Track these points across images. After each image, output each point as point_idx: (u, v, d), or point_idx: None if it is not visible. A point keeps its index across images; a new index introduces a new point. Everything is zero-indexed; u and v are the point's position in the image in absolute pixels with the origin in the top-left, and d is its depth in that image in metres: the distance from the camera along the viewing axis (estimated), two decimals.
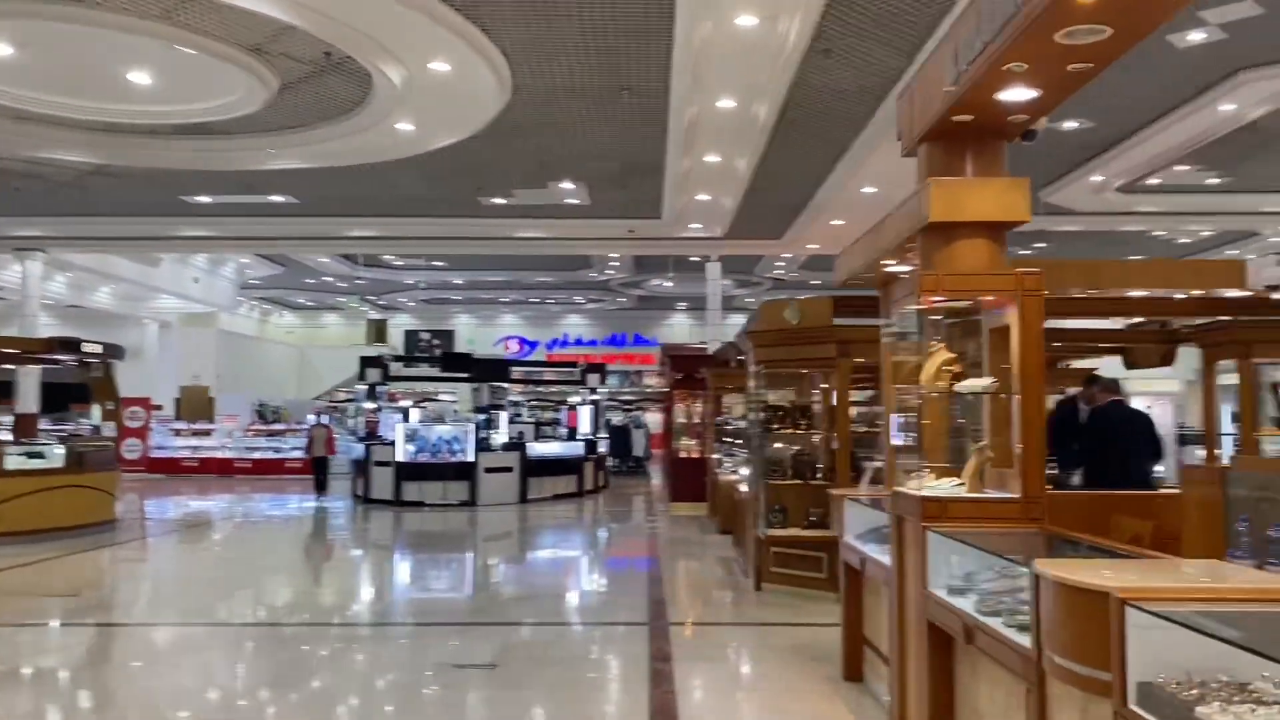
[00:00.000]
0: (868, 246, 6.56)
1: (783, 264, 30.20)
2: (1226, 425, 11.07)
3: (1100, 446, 9.34)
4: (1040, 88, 4.53)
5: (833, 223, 19.91)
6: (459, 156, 16.05)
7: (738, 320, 39.64)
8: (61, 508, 14.61)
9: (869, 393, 10.47)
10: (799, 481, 10.02)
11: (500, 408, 21.54)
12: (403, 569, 12.66)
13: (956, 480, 5.13)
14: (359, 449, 20.51)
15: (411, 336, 40.43)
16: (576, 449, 21.09)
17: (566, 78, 12.61)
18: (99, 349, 17.03)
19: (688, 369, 18.62)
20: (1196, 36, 12.18)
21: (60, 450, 15.52)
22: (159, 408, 30.43)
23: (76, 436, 17.96)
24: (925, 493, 5.05)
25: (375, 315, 42.63)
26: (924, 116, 5.29)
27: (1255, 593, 3.17)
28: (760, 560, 10.05)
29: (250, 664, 7.60)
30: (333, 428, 20.03)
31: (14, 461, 14.73)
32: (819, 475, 10.04)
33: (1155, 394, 22.66)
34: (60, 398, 25.47)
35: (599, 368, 23.28)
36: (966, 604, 4.50)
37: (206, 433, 29.28)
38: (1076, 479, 9.33)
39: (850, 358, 9.56)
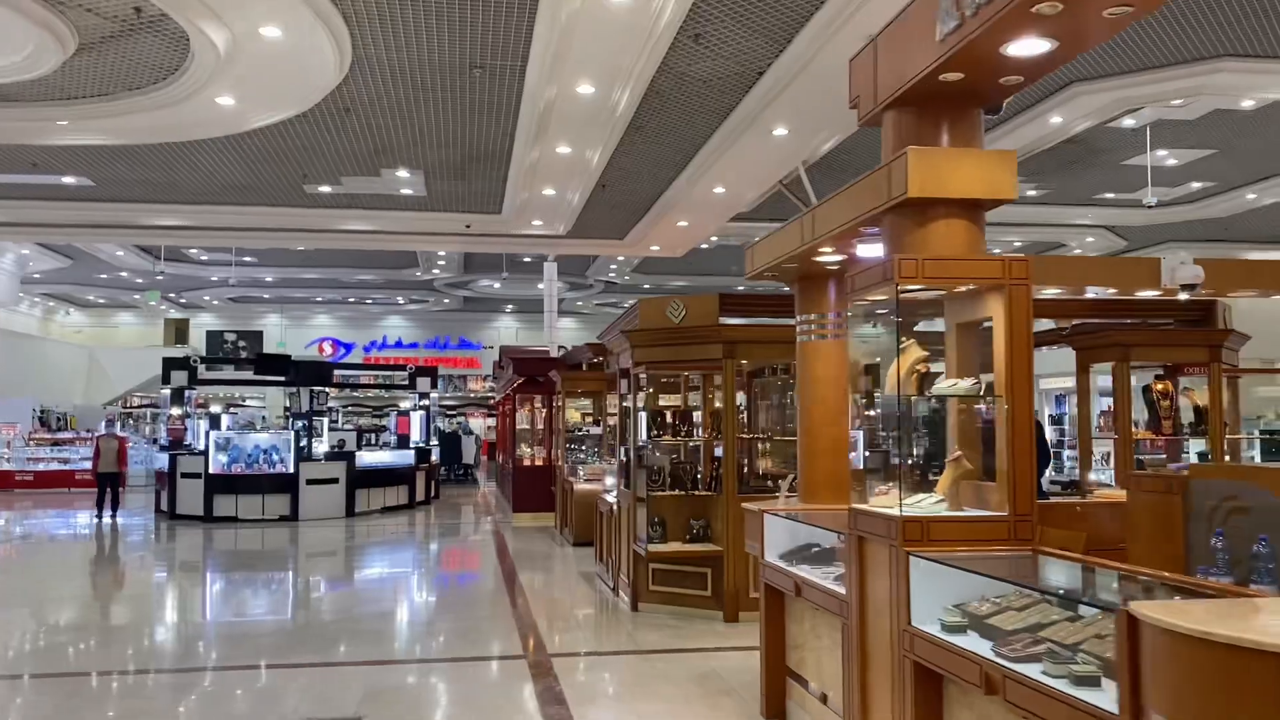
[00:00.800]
0: (795, 234, 5.81)
1: (616, 267, 29.57)
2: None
3: None
4: (1061, 38, 3.87)
5: (678, 224, 19.33)
6: (283, 137, 14.53)
7: (567, 325, 38.88)
8: None
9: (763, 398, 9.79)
10: (679, 492, 9.24)
11: (322, 414, 19.90)
12: (220, 596, 11.15)
13: (936, 497, 4.42)
14: (162, 459, 18.48)
15: (215, 337, 37.59)
16: (407, 458, 19.72)
17: (414, 51, 11.43)
18: None
19: (532, 372, 17.61)
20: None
21: None
22: None
23: None
24: (904, 511, 4.32)
25: (176, 314, 39.46)
26: (894, 78, 4.57)
27: None
28: (637, 578, 9.22)
29: None
30: (126, 438, 17.55)
31: None
32: (700, 485, 9.29)
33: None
34: None
35: (430, 371, 21.94)
36: (977, 646, 3.77)
37: None
38: None
39: (736, 359, 8.86)
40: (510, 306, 38.72)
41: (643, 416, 9.53)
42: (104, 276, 31.04)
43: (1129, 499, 5.83)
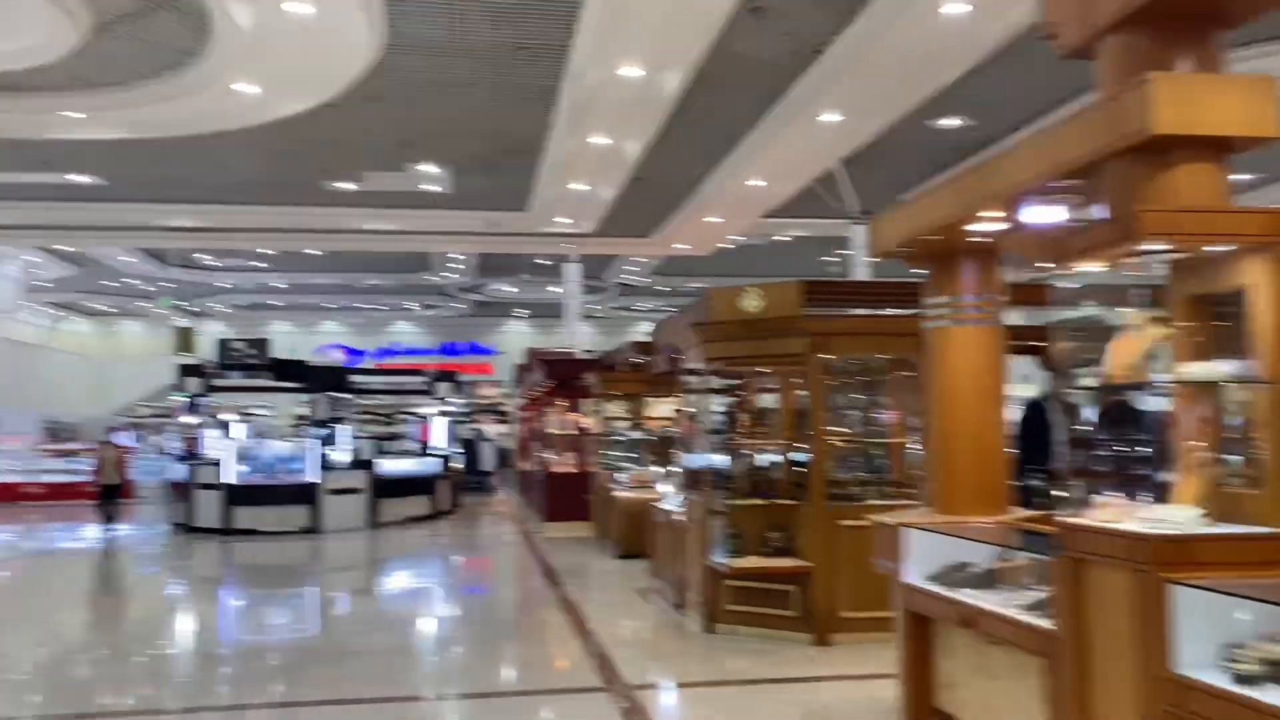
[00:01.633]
0: (951, 198, 4.92)
1: (635, 268, 28.72)
2: None
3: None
4: None
5: (708, 220, 18.51)
6: (305, 129, 13.67)
7: (582, 329, 37.92)
8: None
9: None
10: (757, 502, 8.32)
11: (340, 421, 18.97)
12: (247, 618, 10.23)
13: (1189, 509, 3.52)
14: (180, 470, 17.55)
15: (224, 345, 36.52)
16: (431, 466, 18.79)
17: (454, 31, 10.57)
18: None
19: (565, 375, 16.68)
20: None
21: None
22: None
23: None
24: (1153, 528, 3.42)
25: (183, 322, 38.54)
26: None
27: None
28: (711, 596, 8.31)
29: None
30: (125, 448, 16.63)
31: None
32: (780, 494, 8.38)
33: None
34: None
35: (450, 376, 21.03)
36: None
37: None
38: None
39: (822, 353, 7.95)
40: (522, 311, 37.85)
41: (714, 418, 8.63)
42: (112, 284, 30.17)
43: None
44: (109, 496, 17.29)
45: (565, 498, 16.47)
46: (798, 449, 8.41)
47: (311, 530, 16.37)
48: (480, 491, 25.50)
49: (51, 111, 12.56)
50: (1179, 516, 3.47)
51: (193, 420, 18.84)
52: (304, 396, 19.92)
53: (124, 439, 26.84)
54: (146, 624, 9.66)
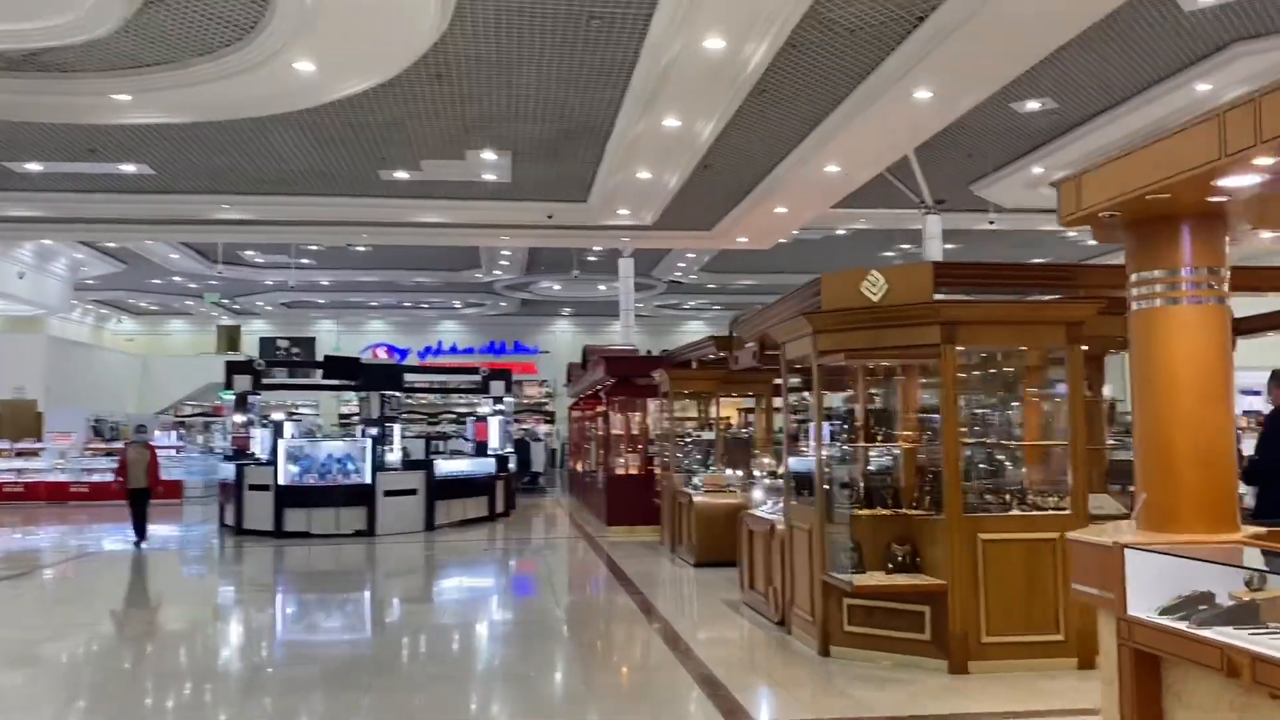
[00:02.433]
0: (1193, 146, 3.92)
1: (683, 264, 27.76)
2: None
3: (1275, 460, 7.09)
4: None
5: (776, 211, 17.51)
6: (364, 112, 12.86)
7: (620, 327, 37.02)
8: None
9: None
10: (880, 511, 7.35)
11: (394, 420, 18.18)
12: (303, 630, 9.40)
13: None
14: (225, 469, 16.82)
15: (268, 344, 36.08)
16: (487, 466, 17.95)
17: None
18: None
19: (629, 372, 15.79)
20: None
21: None
22: None
23: None
24: None
25: (228, 321, 38.06)
26: None
27: None
28: (828, 615, 7.35)
29: None
30: (155, 448, 15.68)
31: None
32: (906, 503, 7.40)
33: None
34: None
35: (504, 374, 20.19)
36: None
37: (34, 453, 24.59)
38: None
39: (957, 343, 6.96)
40: (568, 310, 37.01)
41: (826, 418, 7.68)
42: (157, 281, 29.64)
43: None
44: (138, 503, 14.97)
45: (628, 501, 15.61)
46: (926, 452, 7.44)
47: (366, 533, 15.59)
48: (531, 492, 24.69)
49: (98, 94, 11.79)
50: None
51: (241, 419, 18.10)
52: (355, 395, 19.18)
53: (158, 438, 26.35)
54: (187, 636, 8.84)
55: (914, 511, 7.26)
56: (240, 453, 17.86)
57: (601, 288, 31.85)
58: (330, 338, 36.73)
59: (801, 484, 8.15)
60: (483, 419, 19.30)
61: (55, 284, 27.14)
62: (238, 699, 6.63)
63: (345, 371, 18.38)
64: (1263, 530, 4.67)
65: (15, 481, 23.13)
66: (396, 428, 17.81)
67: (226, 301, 34.09)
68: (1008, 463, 7.55)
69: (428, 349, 37.49)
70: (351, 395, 36.48)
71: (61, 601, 10.84)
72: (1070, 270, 7.70)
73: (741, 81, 11.57)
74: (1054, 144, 16.84)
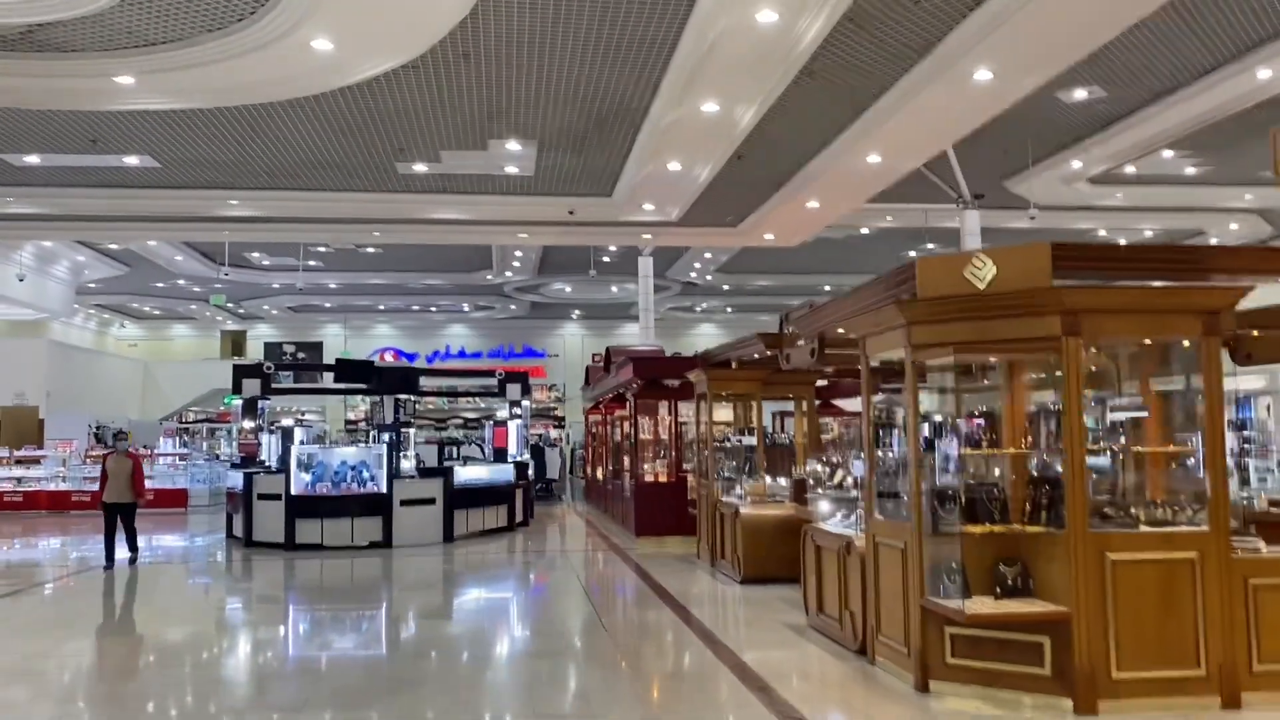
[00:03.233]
0: None
1: (700, 265, 26.83)
2: None
3: None
4: None
5: (808, 205, 16.58)
6: (383, 98, 11.93)
7: (636, 331, 36.09)
8: None
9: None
10: (988, 528, 6.39)
11: (409, 425, 17.22)
12: (318, 652, 8.43)
13: None
14: (235, 478, 15.85)
15: (273, 349, 35.12)
16: (506, 473, 16.97)
17: None
18: None
19: (659, 374, 14.86)
20: None
21: None
22: None
23: None
24: None
25: (232, 326, 37.09)
26: None
27: None
28: (926, 646, 6.40)
29: None
30: (140, 457, 14.10)
31: None
32: (1014, 517, 6.44)
33: None
34: None
35: (520, 378, 19.22)
36: None
37: (34, 460, 23.60)
38: None
39: (1080, 335, 6.02)
40: (578, 312, 36.07)
41: (918, 421, 6.72)
42: (161, 285, 28.69)
43: None
44: (123, 518, 13.27)
45: (657, 510, 14.69)
46: (1038, 459, 6.48)
47: (382, 545, 14.63)
48: (546, 500, 23.73)
49: (99, 76, 10.85)
50: None
51: (249, 425, 17.14)
52: (365, 399, 18.21)
53: (162, 445, 25.33)
54: (195, 664, 7.86)
55: (1031, 527, 6.29)
56: (249, 460, 16.90)
57: (614, 289, 30.92)
58: (337, 342, 35.78)
59: (886, 495, 7.20)
60: (502, 423, 18.32)
61: (57, 287, 26.20)
62: None
63: (358, 374, 17.42)
64: None
65: (15, 490, 22.11)
66: (411, 433, 16.84)
67: (231, 306, 33.13)
68: (1128, 472, 6.59)
69: (435, 353, 36.57)
70: (358, 400, 35.73)
71: (58, 623, 9.87)
72: (1194, 253, 6.75)
73: (792, 60, 10.65)
74: (1097, 136, 15.98)
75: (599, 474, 20.17)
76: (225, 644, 8.67)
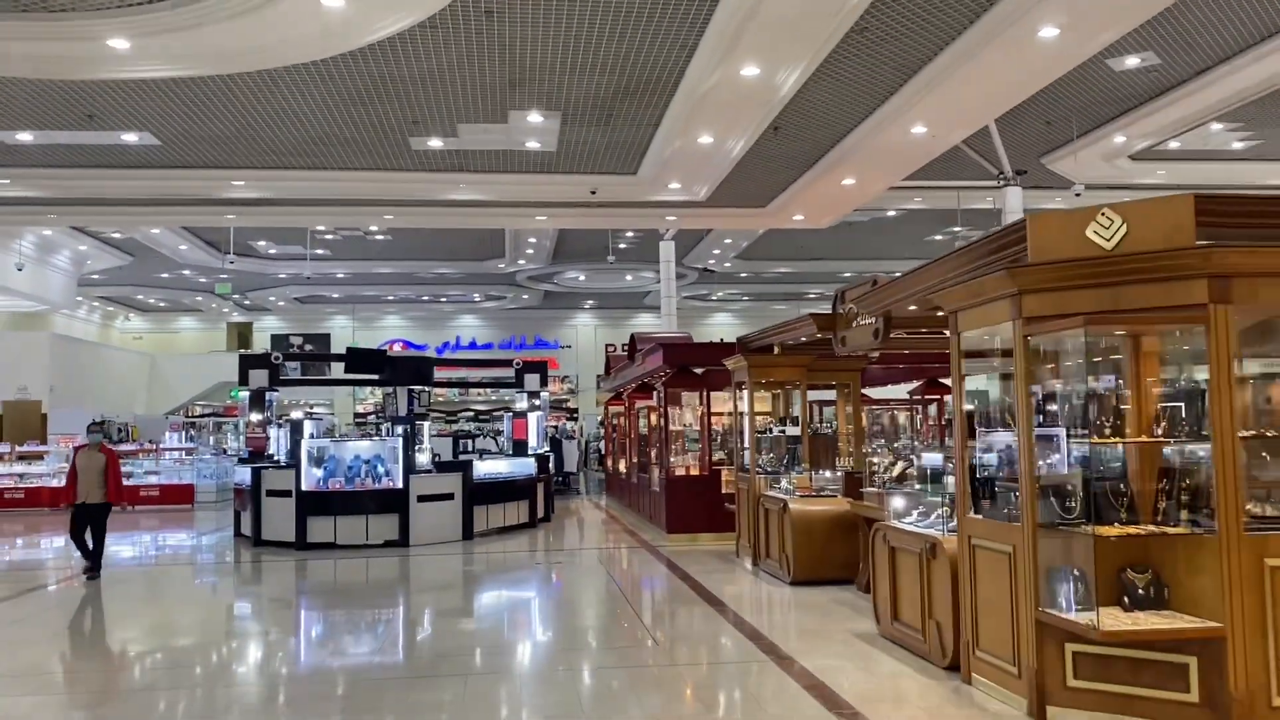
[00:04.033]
0: None
1: (719, 251, 25.86)
2: None
3: None
4: None
5: (843, 183, 15.62)
6: (398, 62, 10.97)
7: (648, 320, 35.18)
8: None
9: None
10: (1131, 529, 5.44)
11: (424, 417, 16.28)
12: (359, 677, 7.52)
13: None
14: (243, 474, 14.96)
15: (280, 341, 34.23)
16: (527, 467, 16.04)
17: None
18: None
19: (692, 360, 13.91)
20: None
21: None
22: None
23: None
24: None
25: (239, 318, 36.22)
26: None
27: None
28: (1044, 665, 5.47)
29: None
30: (115, 454, 11.97)
31: None
32: (1143, 515, 5.50)
33: None
34: None
35: (539, 367, 18.28)
36: None
37: (37, 456, 22.71)
38: None
39: (1230, 303, 5.07)
40: (590, 302, 35.14)
41: (1030, 404, 5.77)
42: (166, 275, 27.80)
43: None
44: (89, 522, 11.52)
45: (690, 506, 13.76)
46: (1176, 448, 5.53)
47: (398, 544, 13.72)
48: (563, 494, 22.83)
49: (92, 40, 9.90)
50: None
51: (257, 418, 16.23)
52: (377, 391, 17.29)
53: (168, 439, 24.40)
54: (203, 675, 6.95)
55: (1171, 528, 5.34)
56: (257, 454, 16.00)
57: (629, 278, 29.99)
58: (345, 334, 34.92)
59: (981, 491, 6.25)
60: (521, 415, 17.39)
61: (59, 278, 25.31)
62: None
63: (369, 364, 16.47)
64: None
65: (17, 487, 21.21)
66: (426, 426, 15.91)
67: (237, 297, 32.26)
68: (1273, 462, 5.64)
69: (445, 344, 35.69)
70: (367, 393, 34.86)
71: (63, 632, 8.97)
72: None
73: (844, 15, 9.68)
74: (1144, 108, 15.03)
75: (621, 467, 19.23)
76: (233, 661, 7.75)
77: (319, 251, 25.34)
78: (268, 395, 16.27)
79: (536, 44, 10.46)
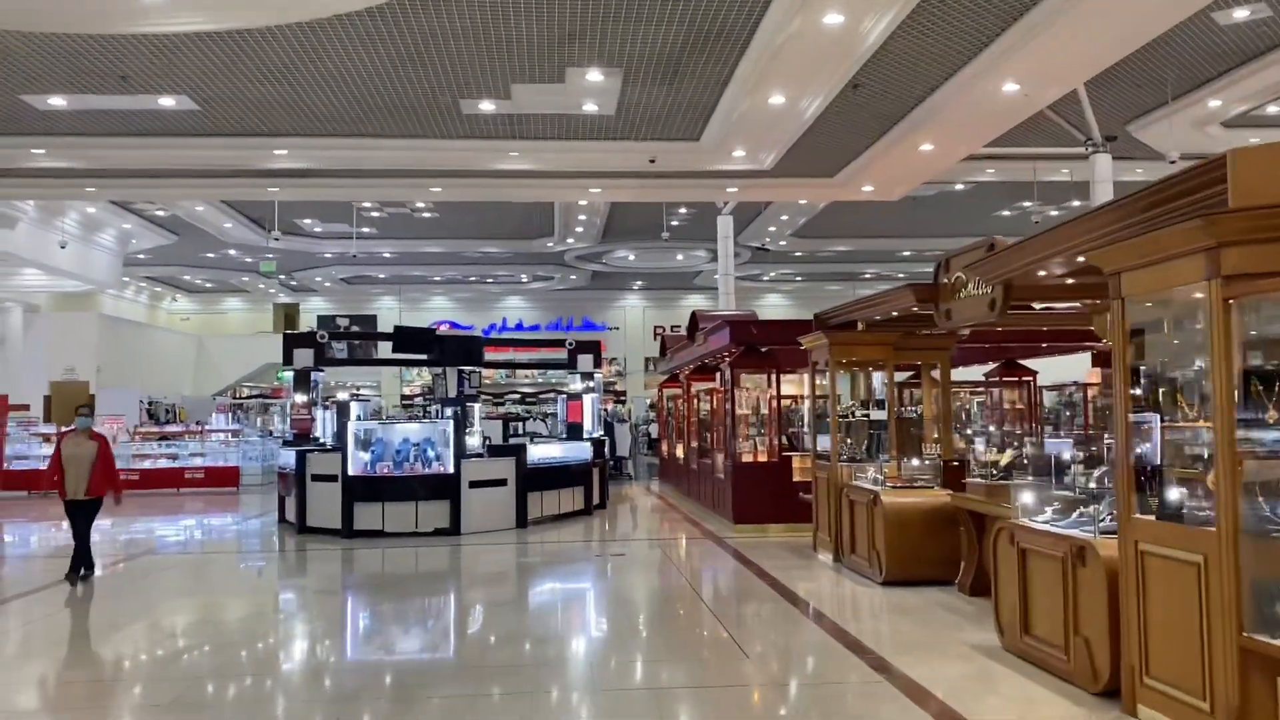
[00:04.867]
0: None
1: (775, 228, 24.70)
2: None
3: None
4: None
5: (921, 149, 14.43)
6: (449, 13, 9.96)
7: (696, 300, 34.07)
8: None
9: None
10: None
11: (474, 399, 15.38)
12: (418, 687, 6.61)
13: None
14: (288, 457, 14.17)
15: (326, 322, 33.54)
16: (583, 452, 15.09)
17: None
18: None
19: (764, 340, 12.87)
20: None
21: None
22: (24, 408, 23.23)
23: None
24: None
25: (285, 299, 35.65)
26: None
27: None
28: (1248, 703, 4.40)
29: None
30: (105, 439, 10.18)
31: None
32: None
33: None
34: None
35: (593, 346, 17.32)
36: None
37: None
38: None
39: None
40: (639, 283, 34.10)
41: (1231, 381, 4.69)
42: (211, 255, 27.17)
43: None
44: (79, 518, 9.86)
45: (758, 495, 12.75)
46: None
47: (449, 531, 12.85)
48: (616, 479, 21.91)
49: None
50: None
51: (302, 399, 15.43)
52: (425, 371, 16.46)
53: (214, 420, 23.78)
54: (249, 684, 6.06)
55: None
56: (302, 437, 15.20)
57: (679, 257, 28.92)
58: (391, 315, 34.18)
59: (1149, 486, 5.17)
60: (576, 397, 16.43)
61: (104, 257, 24.73)
62: None
63: (418, 344, 15.60)
64: None
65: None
66: (476, 408, 15.01)
67: (283, 278, 31.64)
68: None
69: (491, 326, 34.83)
70: (413, 375, 34.15)
71: (109, 624, 8.17)
72: None
73: None
74: (1245, 68, 13.70)
75: (678, 452, 18.23)
76: (276, 658, 6.86)
77: (365, 230, 24.56)
78: (313, 376, 15.48)
79: None
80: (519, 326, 35.02)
